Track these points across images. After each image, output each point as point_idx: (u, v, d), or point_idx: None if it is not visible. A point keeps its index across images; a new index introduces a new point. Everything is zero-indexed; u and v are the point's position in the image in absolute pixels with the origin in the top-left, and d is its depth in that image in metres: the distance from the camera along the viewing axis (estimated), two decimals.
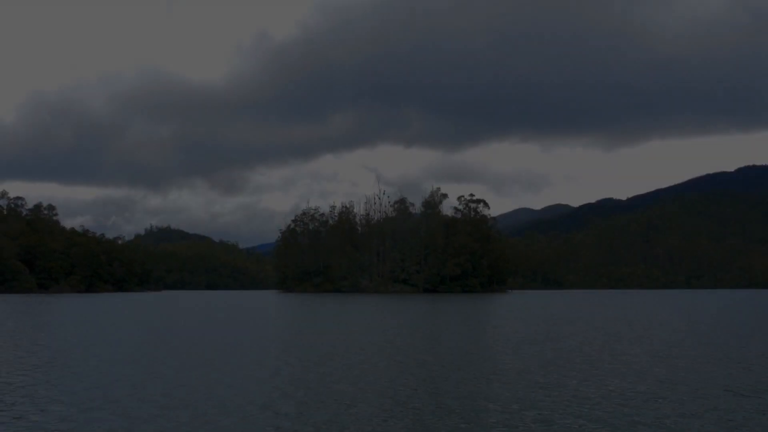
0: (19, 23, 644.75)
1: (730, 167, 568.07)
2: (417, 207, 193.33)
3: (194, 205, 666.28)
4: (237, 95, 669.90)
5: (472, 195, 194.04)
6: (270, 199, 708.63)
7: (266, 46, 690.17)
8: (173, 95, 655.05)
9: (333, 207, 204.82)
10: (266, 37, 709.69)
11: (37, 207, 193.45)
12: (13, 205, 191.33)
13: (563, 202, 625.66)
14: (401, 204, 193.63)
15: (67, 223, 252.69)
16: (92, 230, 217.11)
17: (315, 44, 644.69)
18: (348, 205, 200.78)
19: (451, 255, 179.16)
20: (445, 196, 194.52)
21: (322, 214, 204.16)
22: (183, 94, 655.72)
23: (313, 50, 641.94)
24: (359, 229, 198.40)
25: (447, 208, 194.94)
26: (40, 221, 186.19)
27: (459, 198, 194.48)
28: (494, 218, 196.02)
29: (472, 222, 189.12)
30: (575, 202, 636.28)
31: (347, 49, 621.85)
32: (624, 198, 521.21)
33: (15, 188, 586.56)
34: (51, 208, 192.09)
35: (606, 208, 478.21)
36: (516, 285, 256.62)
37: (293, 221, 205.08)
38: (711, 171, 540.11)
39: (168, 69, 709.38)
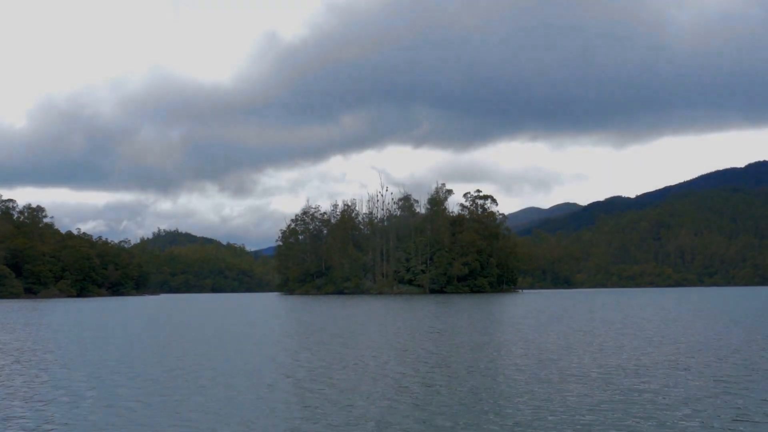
0: (27, 29, 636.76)
1: (740, 163, 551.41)
2: (422, 204, 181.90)
3: (204, 209, 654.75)
4: (246, 97, 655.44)
5: (478, 191, 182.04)
6: (279, 201, 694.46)
7: (276, 47, 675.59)
8: (182, 97, 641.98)
9: (335, 206, 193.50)
10: (275, 37, 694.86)
11: (29, 209, 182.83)
12: (3, 208, 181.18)
13: (571, 200, 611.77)
14: (405, 201, 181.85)
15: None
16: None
17: (325, 44, 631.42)
18: (350, 204, 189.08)
19: (458, 254, 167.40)
20: (450, 192, 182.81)
21: (323, 213, 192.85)
22: (192, 96, 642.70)
23: (323, 50, 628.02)
24: (362, 228, 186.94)
25: (453, 205, 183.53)
26: (29, 224, 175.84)
27: (465, 194, 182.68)
28: (503, 214, 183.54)
29: (480, 219, 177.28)
30: (584, 201, 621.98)
31: (357, 49, 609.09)
32: (633, 196, 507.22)
33: (27, 194, 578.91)
34: (40, 209, 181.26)
35: (615, 205, 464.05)
36: (525, 284, 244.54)
37: (293, 221, 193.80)
38: (720, 167, 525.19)
39: (177, 71, 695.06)
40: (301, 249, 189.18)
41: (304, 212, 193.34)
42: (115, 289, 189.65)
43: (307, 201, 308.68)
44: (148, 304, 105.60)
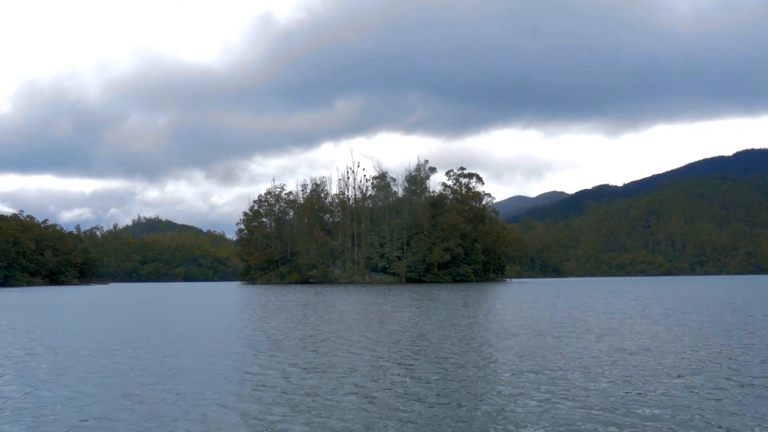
0: (10, 11, 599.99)
1: (728, 151, 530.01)
2: (399, 183, 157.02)
3: (192, 196, 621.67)
4: (237, 81, 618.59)
5: (462, 168, 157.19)
6: (268, 188, 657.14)
7: (271, 30, 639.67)
8: (171, 82, 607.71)
9: (304, 186, 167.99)
10: (270, 20, 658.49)
11: None
12: None
13: (559, 189, 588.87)
14: (381, 180, 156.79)
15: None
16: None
17: (320, 28, 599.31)
18: (319, 182, 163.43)
19: (438, 238, 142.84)
20: (433, 170, 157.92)
21: (289, 193, 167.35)
22: (181, 80, 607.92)
23: (318, 34, 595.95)
24: (333, 209, 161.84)
25: (435, 185, 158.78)
26: None
27: (448, 172, 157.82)
28: (489, 194, 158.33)
29: (464, 200, 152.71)
30: (571, 189, 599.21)
31: (352, 34, 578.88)
32: (621, 184, 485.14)
33: (10, 182, 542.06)
34: None
35: (602, 194, 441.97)
36: (513, 273, 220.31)
37: (256, 202, 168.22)
38: (708, 156, 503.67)
39: (166, 54, 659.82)
40: (264, 233, 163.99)
41: (268, 193, 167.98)
42: (54, 277, 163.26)
43: (273, 180, 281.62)
44: (66, 297, 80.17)
